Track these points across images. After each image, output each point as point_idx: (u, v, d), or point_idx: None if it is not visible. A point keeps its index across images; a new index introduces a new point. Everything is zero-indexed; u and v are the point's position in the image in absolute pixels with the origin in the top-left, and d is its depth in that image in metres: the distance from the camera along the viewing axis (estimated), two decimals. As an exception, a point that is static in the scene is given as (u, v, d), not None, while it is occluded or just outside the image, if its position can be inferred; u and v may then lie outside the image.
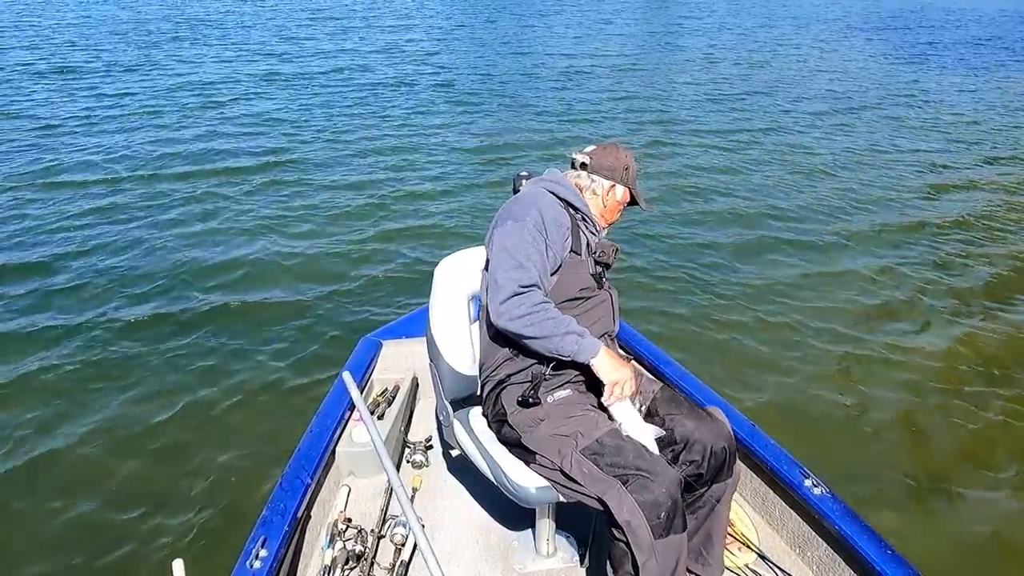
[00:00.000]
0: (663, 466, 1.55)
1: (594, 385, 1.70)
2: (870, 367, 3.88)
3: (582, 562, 2.01)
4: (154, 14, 18.67)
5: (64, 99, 9.28)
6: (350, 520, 2.09)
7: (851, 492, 2.07)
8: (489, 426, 1.85)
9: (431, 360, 1.96)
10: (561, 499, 1.67)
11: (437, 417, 2.06)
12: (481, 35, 17.28)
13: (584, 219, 1.82)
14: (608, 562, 1.60)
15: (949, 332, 4.25)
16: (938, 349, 4.07)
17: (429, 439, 2.50)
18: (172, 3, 21.59)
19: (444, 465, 2.44)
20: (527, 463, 1.72)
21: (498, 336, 1.72)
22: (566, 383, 1.73)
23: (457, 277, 1.94)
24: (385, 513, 2.15)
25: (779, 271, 5.00)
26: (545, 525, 1.97)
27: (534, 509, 1.94)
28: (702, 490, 1.73)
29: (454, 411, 1.98)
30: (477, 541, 2.12)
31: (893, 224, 5.92)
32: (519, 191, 1.95)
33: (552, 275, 1.70)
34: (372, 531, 2.05)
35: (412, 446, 2.45)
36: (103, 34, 15.03)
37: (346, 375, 2.22)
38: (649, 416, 1.76)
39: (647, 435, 1.64)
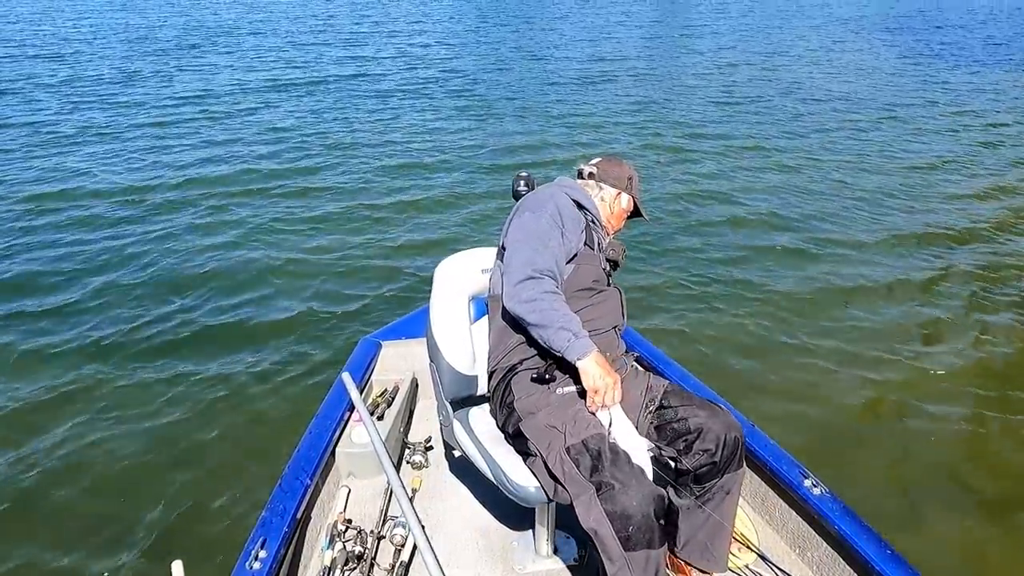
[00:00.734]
0: (641, 479, 1.52)
1: None
2: (873, 370, 3.87)
3: (582, 562, 2.01)
4: (162, 22, 18.59)
5: (66, 108, 9.22)
6: (350, 521, 2.09)
7: (851, 493, 2.06)
8: (493, 415, 1.86)
9: (431, 360, 1.96)
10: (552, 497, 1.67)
11: (437, 417, 2.06)
12: (491, 39, 17.15)
13: (594, 221, 1.89)
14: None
15: (959, 340, 4.22)
16: (948, 358, 4.03)
17: (429, 440, 2.50)
18: (180, 11, 21.48)
19: (444, 466, 2.44)
20: (523, 457, 1.73)
21: (513, 322, 1.74)
22: (578, 379, 1.74)
23: (457, 278, 1.95)
24: (385, 514, 2.15)
25: (787, 276, 4.93)
26: (545, 525, 1.97)
27: (534, 510, 1.94)
28: (712, 481, 1.73)
29: (454, 411, 1.98)
30: (477, 542, 2.12)
31: (909, 231, 5.78)
32: (519, 192, 1.97)
33: (568, 263, 1.75)
34: (372, 532, 2.04)
35: (412, 447, 2.45)
36: (110, 43, 14.98)
37: (346, 376, 2.22)
38: (661, 409, 1.78)
39: (637, 447, 1.62)
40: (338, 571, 1.87)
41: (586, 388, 1.61)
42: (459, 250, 2.04)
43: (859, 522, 1.80)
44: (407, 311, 3.11)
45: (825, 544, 1.92)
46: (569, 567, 2.01)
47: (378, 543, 2.02)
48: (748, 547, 2.02)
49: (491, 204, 6.11)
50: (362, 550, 1.95)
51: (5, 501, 2.81)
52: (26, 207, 5.85)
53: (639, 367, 1.96)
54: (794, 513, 2.04)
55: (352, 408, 2.29)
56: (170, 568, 1.59)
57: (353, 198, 6.29)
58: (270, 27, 18.28)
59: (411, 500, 2.21)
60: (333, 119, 9.05)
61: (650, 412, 1.79)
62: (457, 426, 1.95)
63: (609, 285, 1.88)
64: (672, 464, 1.79)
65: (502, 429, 1.82)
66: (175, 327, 4.07)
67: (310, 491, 1.96)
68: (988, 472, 3.15)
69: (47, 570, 2.53)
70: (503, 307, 1.72)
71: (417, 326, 2.64)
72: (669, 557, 1.89)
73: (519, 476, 1.71)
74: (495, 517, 2.20)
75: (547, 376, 1.70)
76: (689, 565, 1.87)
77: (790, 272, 5.01)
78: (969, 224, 6.03)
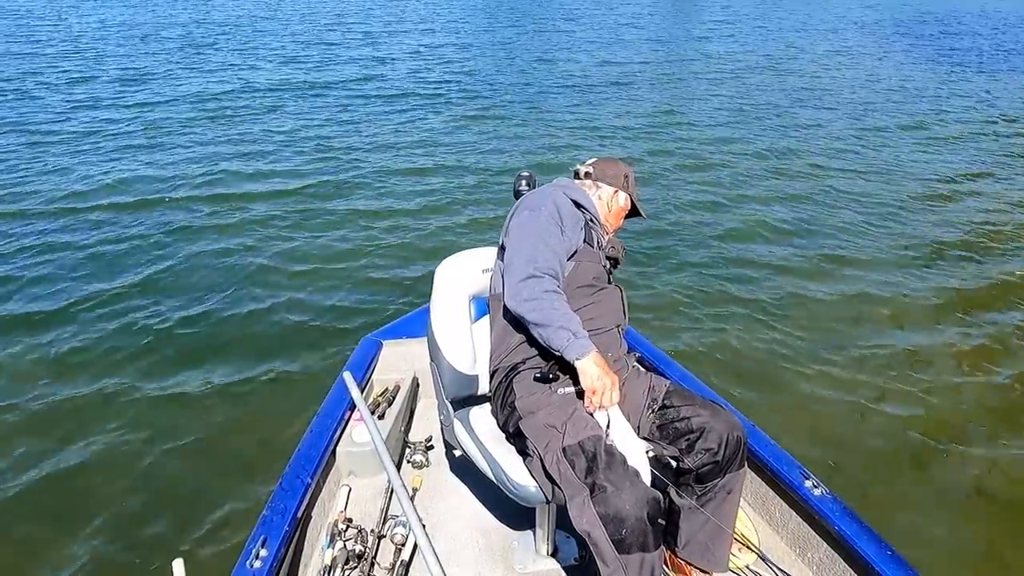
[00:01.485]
0: (635, 482, 1.51)
1: None
2: (878, 374, 3.87)
3: (582, 562, 2.01)
4: (168, 21, 18.53)
5: (68, 109, 9.20)
6: (350, 520, 2.09)
7: (852, 493, 2.07)
8: (494, 414, 1.86)
9: (432, 360, 1.96)
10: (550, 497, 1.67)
11: (438, 417, 2.07)
12: (502, 41, 17.00)
13: (593, 220, 1.90)
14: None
15: (967, 345, 4.22)
16: (955, 361, 4.03)
17: (429, 439, 2.50)
18: (188, 10, 21.40)
19: (444, 465, 2.44)
20: (523, 456, 1.73)
21: (514, 321, 1.74)
22: (579, 379, 1.74)
23: (458, 277, 1.96)
24: (385, 513, 2.15)
25: (795, 284, 4.89)
26: (545, 525, 1.97)
27: (534, 509, 1.94)
28: (714, 481, 1.74)
29: (454, 411, 1.98)
30: (477, 541, 2.12)
31: (923, 242, 5.72)
32: (519, 191, 1.98)
33: (568, 260, 1.76)
34: (372, 531, 2.05)
35: (412, 446, 2.45)
36: (111, 42, 14.95)
37: (346, 375, 2.22)
38: (663, 409, 1.78)
39: (635, 449, 1.61)
40: (338, 570, 1.87)
41: (584, 388, 1.61)
42: (460, 250, 2.05)
43: (859, 523, 1.80)
44: (408, 311, 3.12)
45: (825, 545, 1.93)
46: (569, 567, 2.01)
47: (378, 542, 2.03)
48: (748, 547, 2.02)
49: (493, 205, 6.11)
50: (363, 549, 1.95)
51: (5, 501, 2.82)
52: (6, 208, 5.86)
53: (640, 367, 1.96)
54: (794, 514, 2.04)
55: (353, 407, 2.29)
56: (171, 567, 1.59)
57: (354, 198, 6.29)
58: (278, 25, 18.26)
59: (412, 499, 2.21)
60: (334, 119, 9.04)
61: (652, 412, 1.79)
62: (458, 426, 1.96)
63: (610, 283, 1.88)
64: (674, 464, 1.79)
65: (503, 428, 1.82)
66: (175, 327, 4.07)
67: (311, 490, 1.96)
68: (990, 474, 3.15)
69: (47, 569, 2.53)
70: (504, 306, 1.72)
71: (418, 326, 2.64)
72: (670, 557, 1.89)
73: (519, 476, 1.71)
74: (495, 517, 2.20)
75: (550, 376, 1.70)
76: (690, 565, 1.87)
77: (798, 280, 4.97)
78: (984, 236, 5.93)
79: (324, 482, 2.17)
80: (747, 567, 1.97)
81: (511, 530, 2.14)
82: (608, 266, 1.89)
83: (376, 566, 1.96)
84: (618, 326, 1.86)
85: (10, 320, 4.10)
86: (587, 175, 1.98)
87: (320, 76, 11.74)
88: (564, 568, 2.00)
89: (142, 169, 6.80)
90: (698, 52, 16.30)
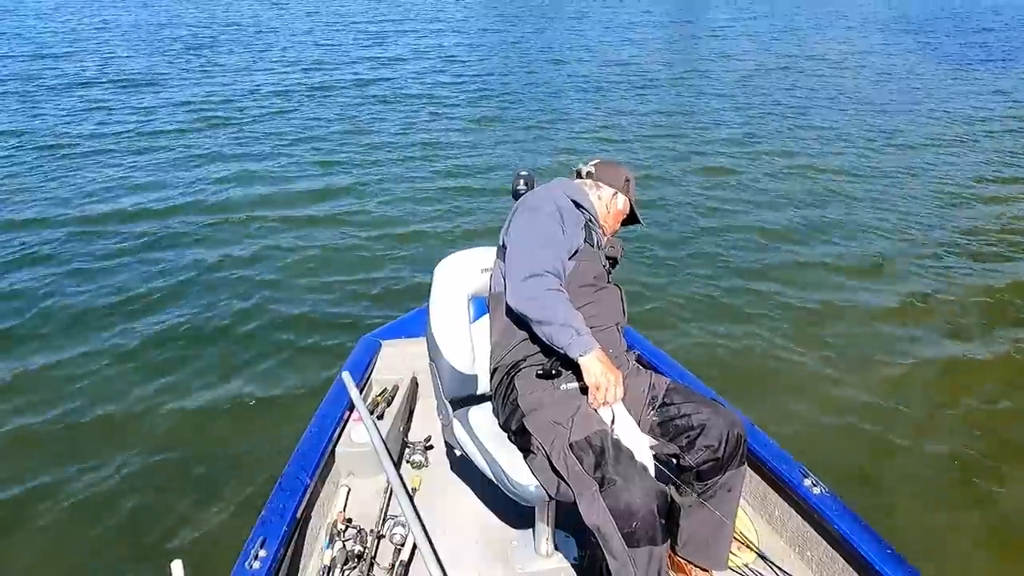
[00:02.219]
0: (644, 476, 1.52)
1: None
2: (878, 374, 3.87)
3: (582, 562, 2.01)
4: (174, 22, 18.47)
5: (69, 112, 9.17)
6: (350, 520, 2.09)
7: (851, 492, 2.06)
8: (495, 413, 1.86)
9: (431, 359, 1.96)
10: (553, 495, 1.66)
11: (437, 417, 2.06)
12: (510, 40, 16.94)
13: (592, 220, 1.90)
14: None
15: (968, 345, 4.24)
16: (959, 363, 4.05)
17: (429, 439, 2.50)
18: (196, 10, 21.32)
19: (444, 465, 2.44)
20: (525, 453, 1.72)
21: (516, 319, 1.75)
22: (581, 376, 1.74)
23: (457, 277, 1.95)
24: (385, 513, 2.15)
25: (800, 286, 4.89)
26: (545, 525, 1.97)
27: (534, 509, 1.94)
28: (715, 478, 1.74)
29: (454, 411, 1.97)
30: (477, 541, 2.11)
31: (932, 244, 5.71)
32: (518, 191, 1.98)
33: (570, 259, 1.76)
34: (372, 531, 2.04)
35: (412, 446, 2.45)
36: (115, 42, 14.91)
37: (345, 375, 2.22)
38: (664, 406, 1.78)
39: (639, 444, 1.61)
40: (338, 570, 1.87)
41: (588, 385, 1.61)
42: (459, 249, 2.04)
43: (859, 522, 1.80)
44: (407, 310, 3.11)
45: (825, 544, 1.92)
46: (569, 567, 2.00)
47: (378, 542, 2.02)
48: (748, 546, 2.02)
49: (493, 205, 6.11)
50: (362, 549, 1.95)
51: (4, 502, 2.81)
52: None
53: (640, 366, 1.96)
54: (794, 512, 2.04)
55: (352, 407, 2.29)
56: (170, 568, 1.59)
57: (354, 197, 6.29)
58: (282, 27, 18.20)
59: (411, 499, 2.21)
60: (337, 119, 9.04)
61: (653, 409, 1.80)
62: (457, 425, 1.95)
63: (609, 282, 1.89)
64: (674, 461, 1.79)
65: (504, 426, 1.82)
66: (174, 327, 4.07)
67: (310, 490, 1.96)
68: (992, 476, 3.15)
69: (47, 570, 2.52)
70: (506, 305, 1.72)
71: (417, 325, 2.64)
72: (669, 555, 1.89)
73: (519, 475, 1.71)
74: (495, 516, 2.20)
75: (552, 372, 1.70)
76: (689, 563, 1.87)
77: (805, 281, 4.97)
78: (997, 241, 5.90)
79: (323, 482, 2.17)
80: (746, 566, 1.97)
81: (511, 530, 2.14)
82: (607, 265, 1.90)
83: (375, 566, 1.96)
84: (617, 324, 1.87)
85: (7, 330, 4.09)
86: (588, 175, 1.98)
87: (324, 78, 11.70)
88: (564, 567, 2.00)
89: (141, 173, 6.80)
90: (707, 52, 16.25)
